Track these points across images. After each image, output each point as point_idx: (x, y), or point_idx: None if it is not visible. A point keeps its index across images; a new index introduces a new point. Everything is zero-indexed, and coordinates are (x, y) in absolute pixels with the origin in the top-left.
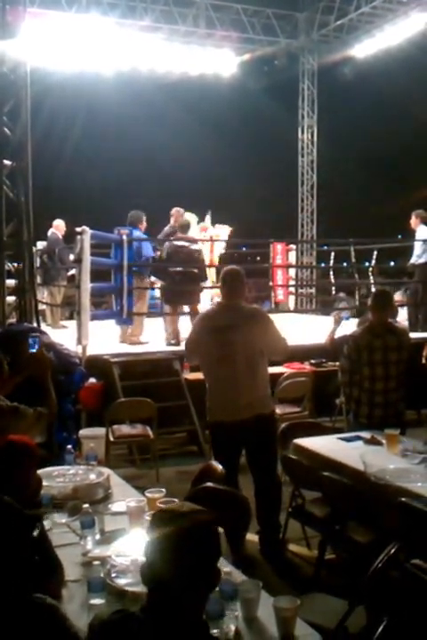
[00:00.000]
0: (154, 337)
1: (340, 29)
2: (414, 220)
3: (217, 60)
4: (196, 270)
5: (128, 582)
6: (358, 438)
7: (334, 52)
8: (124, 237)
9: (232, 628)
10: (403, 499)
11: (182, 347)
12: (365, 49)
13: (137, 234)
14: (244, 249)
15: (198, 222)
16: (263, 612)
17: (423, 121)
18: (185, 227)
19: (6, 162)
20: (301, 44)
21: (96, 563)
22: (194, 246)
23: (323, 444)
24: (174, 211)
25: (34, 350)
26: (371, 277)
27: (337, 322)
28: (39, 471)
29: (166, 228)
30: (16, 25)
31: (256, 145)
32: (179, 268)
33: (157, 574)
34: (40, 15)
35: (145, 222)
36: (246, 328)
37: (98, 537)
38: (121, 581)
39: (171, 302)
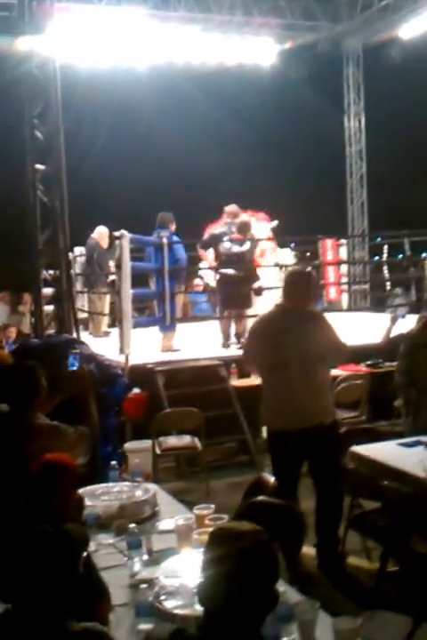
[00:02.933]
0: (199, 343)
1: (384, 9)
2: None
3: (256, 48)
4: (244, 273)
5: (177, 605)
6: (419, 443)
7: (379, 34)
8: (165, 240)
9: None
10: None
11: (231, 352)
12: (411, 29)
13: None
14: (292, 245)
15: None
16: (322, 633)
17: None
18: (243, 226)
19: (39, 166)
20: (343, 27)
21: (143, 585)
22: (244, 247)
23: (382, 451)
24: (228, 209)
25: (74, 368)
26: None
27: (393, 320)
28: (82, 490)
29: (217, 230)
30: (44, 21)
31: (300, 137)
32: (230, 271)
33: (213, 595)
34: (68, 10)
35: (174, 224)
36: (302, 332)
37: (145, 557)
38: (169, 604)
39: (222, 306)
